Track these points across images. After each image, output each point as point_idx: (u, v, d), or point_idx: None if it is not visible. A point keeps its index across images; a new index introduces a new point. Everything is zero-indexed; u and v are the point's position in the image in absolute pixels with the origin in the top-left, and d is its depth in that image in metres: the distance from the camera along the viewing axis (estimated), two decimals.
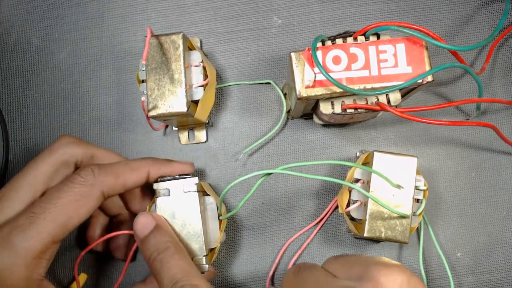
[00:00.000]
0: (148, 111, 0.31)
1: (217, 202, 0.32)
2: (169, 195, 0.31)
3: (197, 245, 0.30)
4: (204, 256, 0.30)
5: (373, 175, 0.30)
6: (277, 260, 0.36)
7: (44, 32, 0.40)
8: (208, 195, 0.33)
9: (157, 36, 0.31)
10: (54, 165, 0.29)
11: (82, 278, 0.35)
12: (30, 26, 0.40)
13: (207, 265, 0.30)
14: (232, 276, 0.36)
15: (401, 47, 0.29)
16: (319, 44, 0.29)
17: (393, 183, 0.30)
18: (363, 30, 0.29)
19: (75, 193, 0.27)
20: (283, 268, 0.36)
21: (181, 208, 0.31)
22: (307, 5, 0.39)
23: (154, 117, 0.31)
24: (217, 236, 0.32)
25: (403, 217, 0.30)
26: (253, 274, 0.36)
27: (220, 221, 0.32)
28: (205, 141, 0.38)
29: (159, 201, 0.31)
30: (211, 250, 0.32)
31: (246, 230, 0.36)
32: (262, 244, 0.36)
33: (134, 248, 0.31)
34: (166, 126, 0.38)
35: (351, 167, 0.33)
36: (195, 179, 0.31)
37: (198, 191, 0.31)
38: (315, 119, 0.35)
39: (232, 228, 0.37)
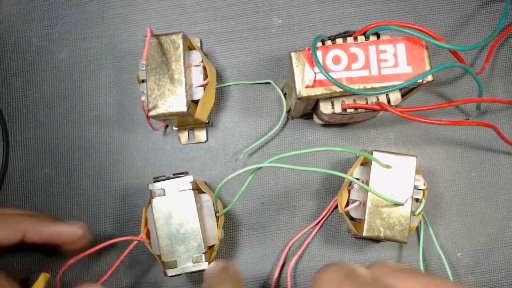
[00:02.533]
0: (148, 111, 0.31)
1: (213, 199, 0.32)
2: (164, 195, 0.31)
3: (196, 243, 0.30)
4: (203, 253, 0.30)
5: (371, 174, 0.30)
6: (280, 263, 0.36)
7: (44, 32, 0.40)
8: (204, 192, 0.33)
9: (157, 36, 0.31)
10: None
11: (44, 278, 0.32)
12: (30, 26, 0.40)
13: (206, 262, 0.30)
14: None
15: (401, 47, 0.29)
16: (319, 44, 0.29)
17: (382, 163, 0.30)
18: (363, 30, 0.29)
19: None
20: (285, 269, 0.36)
21: (177, 207, 0.31)
22: (307, 5, 0.39)
23: (154, 117, 0.31)
24: (215, 233, 0.32)
25: (401, 213, 0.30)
26: (253, 274, 0.36)
27: (217, 218, 0.32)
28: (205, 141, 0.38)
29: (155, 201, 0.31)
30: (210, 247, 0.32)
31: (246, 230, 0.36)
32: (262, 244, 0.36)
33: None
34: (166, 126, 0.38)
35: (353, 162, 0.33)
36: (190, 177, 0.31)
37: (193, 189, 0.31)
38: (315, 119, 0.35)
39: (232, 228, 0.37)
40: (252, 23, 0.39)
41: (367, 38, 0.29)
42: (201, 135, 0.38)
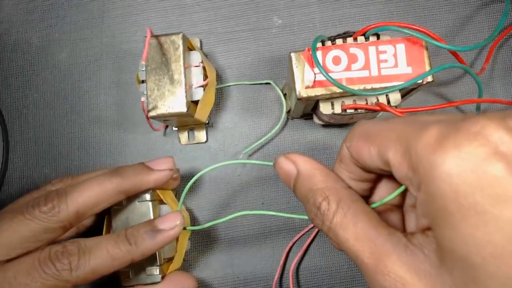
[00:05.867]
0: (148, 111, 0.31)
1: (186, 219, 0.31)
2: (123, 204, 0.30)
3: (151, 255, 0.29)
4: (158, 266, 0.29)
5: None
6: (281, 263, 0.36)
7: (44, 32, 0.40)
8: (165, 204, 0.32)
9: (157, 36, 0.31)
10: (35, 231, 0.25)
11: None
12: (30, 26, 0.40)
13: (160, 275, 0.29)
14: (231, 276, 0.36)
15: (401, 47, 0.29)
16: (319, 45, 0.29)
17: None
18: (363, 31, 0.29)
19: (47, 286, 0.24)
20: (286, 269, 0.36)
21: (135, 217, 0.30)
22: (307, 5, 0.39)
23: (154, 118, 0.31)
24: (173, 245, 0.31)
25: None
26: (253, 274, 0.36)
27: None
28: (205, 141, 0.38)
29: (113, 210, 0.30)
30: (169, 259, 0.32)
31: (245, 230, 0.36)
32: (262, 244, 0.36)
33: None
34: (166, 126, 0.38)
35: None
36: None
37: (152, 200, 0.30)
38: (315, 119, 0.35)
39: (232, 228, 0.37)
40: (252, 24, 0.39)
41: (367, 38, 0.29)
42: (201, 135, 0.38)
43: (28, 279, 0.24)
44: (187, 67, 0.32)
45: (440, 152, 0.15)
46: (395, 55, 0.29)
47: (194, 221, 0.37)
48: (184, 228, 0.30)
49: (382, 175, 0.22)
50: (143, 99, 0.31)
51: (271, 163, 0.24)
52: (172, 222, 0.28)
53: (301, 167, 0.22)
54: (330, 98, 0.30)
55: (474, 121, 0.15)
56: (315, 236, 0.36)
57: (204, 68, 0.33)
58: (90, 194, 0.27)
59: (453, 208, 0.14)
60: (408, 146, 0.16)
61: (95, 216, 0.32)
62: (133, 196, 0.30)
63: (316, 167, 0.22)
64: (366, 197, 0.23)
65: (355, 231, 0.18)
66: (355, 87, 0.28)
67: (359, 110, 0.30)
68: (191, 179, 0.28)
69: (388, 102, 0.30)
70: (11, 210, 0.27)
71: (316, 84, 0.29)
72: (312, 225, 0.36)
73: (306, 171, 0.22)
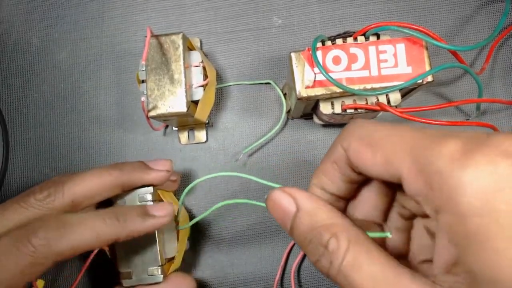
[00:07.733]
0: (148, 111, 0.31)
1: (175, 212, 0.31)
2: (124, 204, 0.30)
3: (152, 255, 0.29)
4: (159, 266, 0.29)
5: None
6: (282, 263, 0.36)
7: (44, 32, 0.40)
8: None
9: (157, 36, 0.31)
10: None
11: (40, 284, 0.30)
12: (30, 26, 0.40)
13: (161, 275, 0.29)
14: (231, 276, 0.36)
15: (401, 47, 0.29)
16: (319, 44, 0.29)
17: None
18: (363, 30, 0.29)
19: (22, 264, 0.22)
20: (287, 270, 0.36)
21: None
22: (307, 5, 0.39)
23: (154, 117, 0.31)
24: (174, 245, 0.31)
25: None
26: (253, 274, 0.36)
27: (178, 230, 0.32)
28: (205, 141, 0.38)
29: None
30: (170, 259, 0.32)
31: (245, 230, 0.36)
32: (262, 244, 0.36)
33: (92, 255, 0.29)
34: (166, 126, 0.38)
35: None
36: (150, 189, 0.30)
37: (153, 201, 0.30)
38: (315, 119, 0.35)
39: (232, 227, 0.37)
40: (252, 24, 0.39)
41: (367, 38, 0.29)
42: (201, 135, 0.38)
43: (3, 259, 0.22)
44: (187, 67, 0.32)
45: (471, 167, 0.13)
46: (395, 55, 0.29)
47: None
48: (176, 227, 0.31)
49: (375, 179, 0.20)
50: (143, 99, 0.31)
51: (263, 204, 0.22)
52: (163, 210, 0.28)
53: (301, 202, 0.19)
54: (330, 98, 0.30)
55: (502, 138, 0.14)
56: None
57: (204, 68, 0.33)
58: (87, 184, 0.27)
59: (494, 228, 0.13)
60: (425, 161, 0.15)
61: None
62: (134, 196, 0.30)
63: (320, 204, 0.19)
64: (347, 200, 0.22)
65: (371, 272, 0.16)
66: (355, 87, 0.28)
67: (359, 110, 0.30)
68: (190, 178, 0.28)
69: (388, 102, 0.30)
70: (7, 201, 0.26)
71: (316, 84, 0.29)
72: None
73: (307, 207, 0.19)
